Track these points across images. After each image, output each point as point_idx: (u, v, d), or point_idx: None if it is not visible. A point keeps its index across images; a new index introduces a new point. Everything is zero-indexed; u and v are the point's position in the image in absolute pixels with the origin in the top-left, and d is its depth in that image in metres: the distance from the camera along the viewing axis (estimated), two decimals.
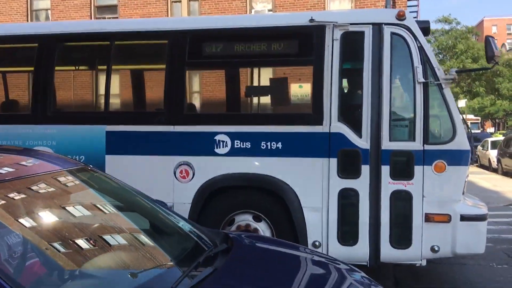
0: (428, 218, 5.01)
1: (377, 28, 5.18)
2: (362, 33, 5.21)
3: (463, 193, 5.13)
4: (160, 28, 5.62)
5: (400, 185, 5.05)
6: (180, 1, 17.57)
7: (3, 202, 2.43)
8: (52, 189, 3.01)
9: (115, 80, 5.78)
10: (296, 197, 5.21)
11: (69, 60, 6.16)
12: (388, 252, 5.10)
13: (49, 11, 18.43)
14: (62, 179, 3.17)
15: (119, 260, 2.54)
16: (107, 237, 2.78)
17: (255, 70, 6.11)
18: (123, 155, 5.52)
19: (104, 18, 17.86)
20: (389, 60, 5.12)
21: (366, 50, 5.16)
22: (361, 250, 5.13)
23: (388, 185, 5.06)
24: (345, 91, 5.36)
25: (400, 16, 5.17)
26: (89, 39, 5.73)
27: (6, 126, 5.67)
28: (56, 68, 5.72)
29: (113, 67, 5.71)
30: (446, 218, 5.00)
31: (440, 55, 29.12)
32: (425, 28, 5.28)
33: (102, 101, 5.63)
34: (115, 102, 5.87)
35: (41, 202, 2.79)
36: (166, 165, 5.42)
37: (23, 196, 2.66)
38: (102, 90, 5.60)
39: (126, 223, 3.10)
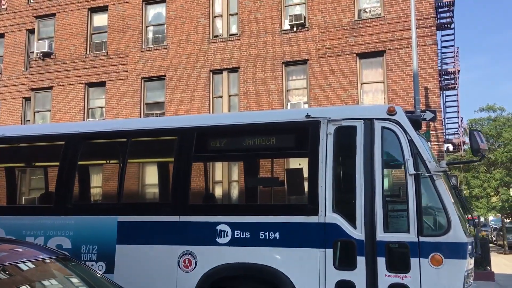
0: None
1: (369, 123, 5.44)
2: (354, 128, 5.47)
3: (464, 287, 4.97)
4: (169, 126, 6.15)
5: (397, 278, 5.00)
6: (221, 97, 18.69)
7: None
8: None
9: (129, 173, 6.27)
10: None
11: (91, 157, 6.77)
12: None
13: (103, 109, 20.06)
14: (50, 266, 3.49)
15: None
16: None
17: (254, 163, 6.44)
18: (133, 245, 5.82)
19: (153, 114, 19.19)
20: (381, 153, 5.30)
21: (358, 144, 5.39)
22: None
23: (385, 278, 5.02)
24: (339, 182, 5.53)
25: (391, 112, 5.42)
26: (108, 137, 6.35)
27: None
28: (79, 163, 6.30)
29: (128, 161, 6.23)
30: None
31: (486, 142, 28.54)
32: (416, 122, 5.47)
33: (116, 192, 6.09)
34: (127, 194, 6.31)
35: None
36: (171, 255, 5.66)
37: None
38: (116, 183, 6.08)
39: None
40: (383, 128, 5.40)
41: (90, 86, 20.48)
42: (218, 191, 6.94)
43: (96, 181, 7.03)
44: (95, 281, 3.52)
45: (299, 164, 5.77)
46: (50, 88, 20.87)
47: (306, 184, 5.49)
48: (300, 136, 5.70)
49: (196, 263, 5.57)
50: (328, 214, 5.27)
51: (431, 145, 16.36)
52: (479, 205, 29.27)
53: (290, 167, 6.14)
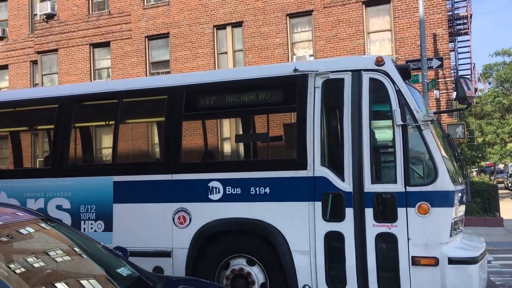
0: (415, 261, 4.94)
1: (357, 74, 5.36)
2: (342, 80, 5.40)
3: (451, 235, 5.02)
4: (159, 85, 6.15)
5: (384, 228, 5.06)
6: (226, 53, 18.49)
7: None
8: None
9: (121, 134, 6.34)
10: (285, 240, 5.35)
11: (84, 119, 6.84)
12: None
13: (110, 70, 20.07)
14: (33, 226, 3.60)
15: None
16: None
17: (244, 119, 6.43)
18: (129, 204, 5.96)
19: (158, 73, 19.13)
20: (368, 104, 5.25)
21: (346, 96, 5.34)
22: None
23: (373, 228, 5.09)
24: (328, 136, 5.51)
25: (379, 62, 5.32)
26: (100, 98, 6.38)
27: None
28: (73, 125, 6.38)
29: (121, 122, 6.28)
30: (434, 261, 4.90)
31: (500, 87, 27.90)
32: (405, 71, 5.36)
33: (110, 153, 6.18)
34: (121, 154, 6.41)
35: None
36: (166, 212, 5.79)
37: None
38: (110, 144, 6.17)
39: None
40: (371, 79, 5.32)
41: (94, 46, 20.41)
42: (210, 149, 6.99)
43: (91, 142, 7.14)
44: (79, 239, 3.63)
45: (290, 120, 5.76)
46: (56, 50, 20.86)
47: (295, 139, 5.49)
48: (288, 90, 5.65)
49: (190, 220, 5.70)
50: (316, 168, 5.30)
51: (440, 93, 16.11)
52: (492, 151, 29.03)
53: (279, 122, 6.13)
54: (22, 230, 3.37)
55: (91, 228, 6.07)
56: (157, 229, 5.81)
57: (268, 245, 5.45)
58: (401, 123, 5.10)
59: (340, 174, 5.23)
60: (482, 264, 5.09)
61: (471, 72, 24.04)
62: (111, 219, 6.00)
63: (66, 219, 6.15)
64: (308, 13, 17.40)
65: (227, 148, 6.20)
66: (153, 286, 3.20)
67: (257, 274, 5.49)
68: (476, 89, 23.37)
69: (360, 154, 5.18)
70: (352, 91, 5.33)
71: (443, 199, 4.96)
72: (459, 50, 23.77)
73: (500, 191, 37.13)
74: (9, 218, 3.41)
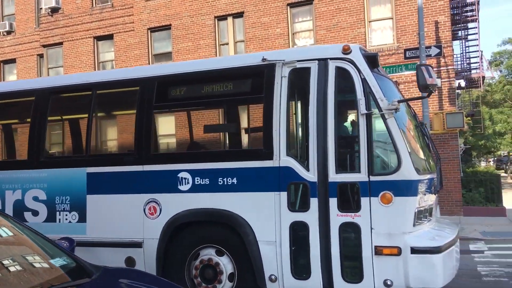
0: (378, 250, 4.90)
1: (323, 63, 5.30)
2: (308, 69, 5.35)
3: (414, 225, 4.95)
4: (132, 77, 6.17)
5: (348, 217, 5.02)
6: (227, 44, 18.45)
7: None
8: None
9: (95, 126, 6.40)
10: (252, 231, 5.35)
11: (60, 111, 6.90)
12: (341, 287, 5.04)
13: (114, 62, 20.20)
14: None
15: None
16: None
17: (213, 110, 6.43)
18: (102, 195, 6.02)
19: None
20: (334, 94, 5.20)
21: (312, 85, 5.29)
22: (314, 284, 5.12)
23: (337, 218, 5.05)
24: (293, 125, 5.47)
25: (345, 50, 5.25)
26: (75, 90, 6.44)
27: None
28: (49, 119, 6.45)
29: (94, 114, 6.33)
30: (396, 251, 4.86)
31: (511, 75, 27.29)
32: (372, 60, 5.28)
33: (84, 145, 6.24)
34: (95, 146, 6.46)
35: None
36: (137, 203, 5.83)
37: None
38: (84, 136, 6.22)
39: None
40: (337, 68, 5.25)
41: (98, 39, 20.55)
42: (180, 140, 7.00)
43: (67, 134, 7.22)
44: (19, 228, 3.67)
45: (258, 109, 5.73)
46: (61, 43, 21.06)
47: (262, 129, 5.47)
48: (256, 80, 5.62)
49: (160, 210, 5.73)
50: (282, 158, 5.27)
51: (441, 81, 15.86)
52: (502, 142, 28.50)
53: (248, 113, 6.10)
54: None
55: (66, 219, 6.15)
56: (129, 220, 5.86)
57: (236, 236, 5.45)
58: (366, 112, 5.04)
59: (305, 164, 5.20)
60: (448, 254, 5.02)
61: (480, 60, 23.58)
62: (84, 210, 6.07)
63: (42, 210, 6.25)
64: (309, 2, 17.24)
65: (197, 139, 6.21)
66: (90, 275, 3.23)
67: (225, 264, 5.50)
68: (483, 78, 22.89)
69: (325, 144, 5.14)
70: (318, 80, 5.27)
71: (406, 188, 4.90)
72: (468, 37, 23.33)
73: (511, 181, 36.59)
74: None
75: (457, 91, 24.39)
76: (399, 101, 5.04)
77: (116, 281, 3.27)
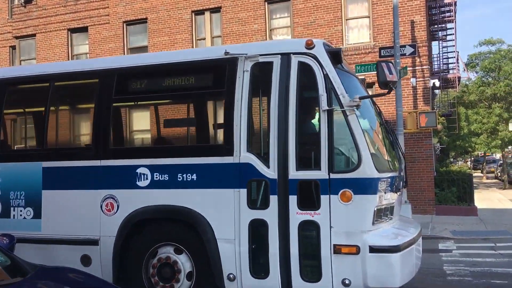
0: (336, 249, 4.82)
1: (286, 58, 5.19)
2: (270, 64, 5.23)
3: (373, 223, 4.88)
4: (91, 68, 5.97)
5: (307, 216, 4.93)
6: (204, 39, 18.25)
7: None
8: None
9: (52, 119, 6.18)
10: (211, 228, 5.21)
11: (16, 102, 6.66)
12: (299, 286, 4.94)
13: (88, 55, 19.81)
14: None
15: None
16: None
17: (174, 104, 6.27)
18: (58, 190, 5.82)
19: None
20: (295, 89, 5.09)
21: (274, 80, 5.17)
22: (273, 284, 5.01)
23: (296, 216, 4.95)
24: (255, 121, 5.35)
25: (308, 45, 5.15)
26: (32, 82, 6.21)
27: None
28: (4, 111, 6.21)
29: (51, 107, 6.11)
30: (355, 250, 4.78)
31: (487, 78, 27.63)
32: (336, 55, 5.18)
33: (41, 139, 6.02)
34: (51, 139, 6.25)
35: None
36: (94, 199, 5.64)
37: None
38: (41, 129, 6.00)
39: None
40: (300, 63, 5.15)
41: (72, 32, 20.12)
42: (139, 134, 6.84)
43: (23, 127, 6.98)
44: None
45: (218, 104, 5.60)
46: (34, 35, 20.58)
47: (222, 124, 5.34)
48: (218, 74, 5.48)
49: (118, 207, 5.56)
50: (242, 154, 5.15)
51: (416, 81, 15.94)
52: (477, 141, 28.86)
53: (209, 108, 5.97)
54: None
55: (20, 215, 5.93)
56: (86, 216, 5.68)
57: (195, 233, 5.31)
58: (327, 108, 4.94)
59: (266, 161, 5.09)
60: (407, 253, 4.96)
61: (457, 60, 23.82)
62: (40, 206, 5.86)
63: None
64: None
65: (156, 133, 6.04)
66: (24, 274, 3.06)
67: (184, 262, 5.36)
68: (459, 78, 23.11)
69: (285, 140, 5.03)
70: (280, 75, 5.16)
71: (365, 187, 4.82)
72: (447, 38, 23.53)
73: (488, 181, 37.14)
74: None
75: (435, 91, 24.62)
76: (360, 98, 4.95)
77: (51, 279, 3.12)
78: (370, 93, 5.36)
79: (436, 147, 20.08)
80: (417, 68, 15.83)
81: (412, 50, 13.74)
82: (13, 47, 21.45)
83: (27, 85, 6.29)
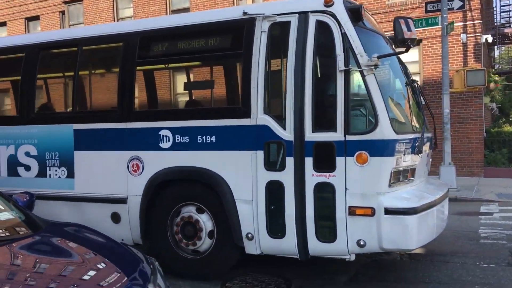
0: (352, 211, 4.79)
1: (303, 17, 5.06)
2: (288, 23, 5.12)
3: (390, 185, 4.79)
4: (115, 32, 6.08)
5: (323, 177, 4.90)
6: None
7: None
8: None
9: (81, 82, 6.40)
10: (230, 189, 5.31)
11: (48, 67, 6.91)
12: (315, 246, 4.99)
13: (132, 19, 20.10)
14: None
15: None
16: None
17: (194, 66, 6.28)
18: (88, 151, 6.08)
19: None
20: (313, 50, 4.97)
21: (291, 41, 5.07)
22: (289, 243, 5.08)
23: (312, 177, 4.94)
24: (271, 83, 5.29)
25: (327, 3, 4.98)
26: (62, 46, 6.42)
27: None
28: (38, 75, 6.48)
29: (80, 71, 6.31)
30: (370, 211, 4.74)
31: None
32: (356, 13, 4.99)
33: (71, 102, 6.27)
34: (81, 103, 6.48)
35: None
36: (121, 160, 5.86)
37: None
38: (71, 92, 6.24)
39: None
40: (317, 21, 5.00)
41: None
42: (162, 97, 6.93)
43: (56, 90, 7.27)
44: None
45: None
46: (81, 0, 21.06)
47: (240, 86, 5.33)
48: (236, 36, 5.43)
49: (143, 168, 5.75)
50: (259, 116, 5.14)
51: (467, 37, 15.11)
52: None
53: (229, 69, 5.94)
54: None
55: (56, 174, 6.27)
56: (114, 176, 5.92)
57: (215, 194, 5.44)
58: (343, 68, 4.81)
59: (282, 123, 5.07)
60: (426, 215, 4.87)
61: None
62: (72, 166, 6.16)
63: (34, 165, 6.38)
64: None
65: (178, 96, 6.13)
66: (38, 228, 3.29)
67: (205, 221, 5.51)
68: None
69: (302, 102, 4.97)
70: (297, 35, 5.05)
71: (382, 148, 4.72)
72: None
73: None
74: None
75: (494, 47, 23.17)
76: (378, 57, 4.78)
77: (62, 233, 3.34)
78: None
79: (490, 107, 19.08)
80: (468, 23, 14.97)
81: (461, 3, 12.96)
82: (63, 12, 22.10)
83: (57, 49, 6.51)
